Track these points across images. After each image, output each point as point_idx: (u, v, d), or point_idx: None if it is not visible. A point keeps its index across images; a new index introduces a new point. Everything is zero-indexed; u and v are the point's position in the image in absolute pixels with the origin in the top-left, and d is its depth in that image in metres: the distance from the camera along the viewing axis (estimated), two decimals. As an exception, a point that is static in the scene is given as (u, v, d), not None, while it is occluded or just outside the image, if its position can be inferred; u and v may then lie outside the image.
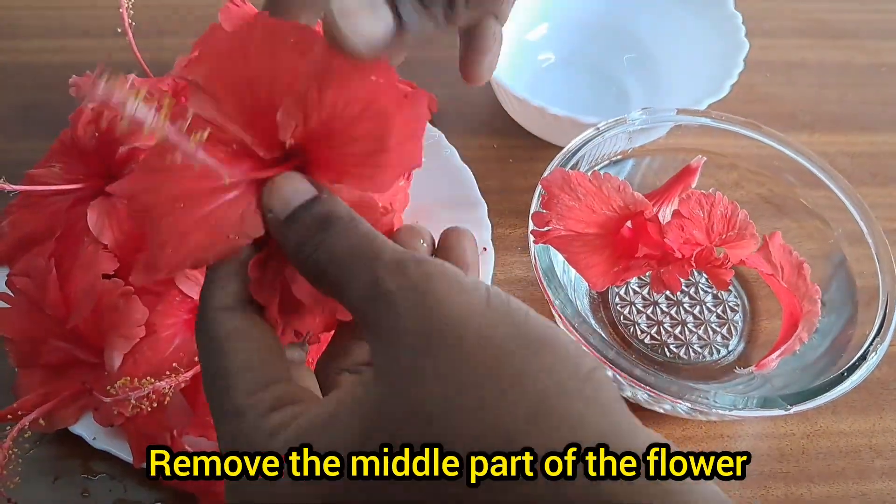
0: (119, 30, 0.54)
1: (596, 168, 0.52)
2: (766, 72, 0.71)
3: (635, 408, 0.49)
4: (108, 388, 0.41)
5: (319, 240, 0.27)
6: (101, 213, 0.47)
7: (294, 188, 0.28)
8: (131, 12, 0.54)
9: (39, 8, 0.70)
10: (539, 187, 0.46)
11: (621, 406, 0.24)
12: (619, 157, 0.53)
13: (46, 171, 0.50)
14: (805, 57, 0.73)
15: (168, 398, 0.41)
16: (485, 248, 0.53)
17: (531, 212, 0.47)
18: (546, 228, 0.44)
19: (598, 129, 0.51)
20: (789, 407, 0.42)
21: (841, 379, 0.43)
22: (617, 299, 0.53)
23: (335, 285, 0.26)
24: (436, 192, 0.56)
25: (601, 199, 0.43)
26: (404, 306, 0.25)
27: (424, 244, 0.31)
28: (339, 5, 0.27)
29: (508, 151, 0.63)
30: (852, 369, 0.43)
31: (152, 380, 0.41)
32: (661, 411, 0.47)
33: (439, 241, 0.32)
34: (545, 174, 0.48)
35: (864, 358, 0.44)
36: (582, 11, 0.67)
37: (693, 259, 0.44)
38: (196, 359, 0.44)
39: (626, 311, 0.53)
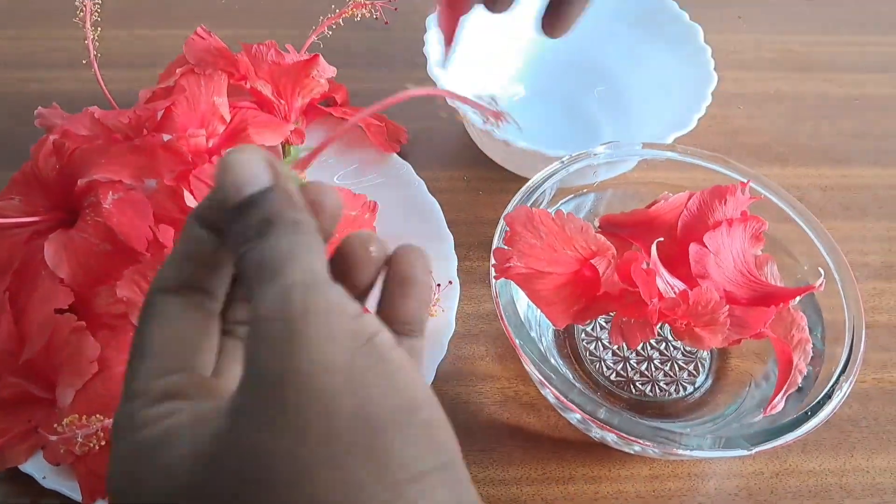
0: (84, 61, 0.54)
1: (561, 201, 0.51)
2: (740, 104, 0.71)
3: (602, 447, 0.49)
4: (56, 425, 0.40)
5: (254, 244, 0.25)
6: (58, 247, 0.46)
7: (248, 171, 0.26)
8: (97, 44, 0.54)
9: (4, 38, 0.70)
10: (502, 223, 0.46)
11: None
12: (584, 190, 0.52)
13: (5, 203, 0.49)
14: (779, 89, 0.73)
15: None
16: (450, 282, 0.53)
17: (493, 247, 0.46)
18: (507, 265, 0.44)
19: (563, 162, 0.50)
20: (751, 448, 0.41)
21: (805, 418, 0.42)
22: (583, 335, 0.53)
23: (248, 295, 0.25)
24: (403, 225, 0.55)
25: (563, 238, 0.43)
26: (266, 340, 0.23)
27: (374, 252, 0.29)
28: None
29: (478, 184, 0.62)
30: (816, 408, 0.43)
31: (101, 417, 0.40)
32: (632, 452, 0.47)
33: (389, 261, 0.30)
34: (507, 209, 0.48)
35: (828, 396, 0.43)
36: (552, 44, 0.66)
37: (657, 314, 0.43)
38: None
39: (591, 347, 0.52)
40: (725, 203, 0.46)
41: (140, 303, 0.44)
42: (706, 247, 0.45)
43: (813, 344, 0.45)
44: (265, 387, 0.23)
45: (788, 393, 0.44)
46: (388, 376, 0.23)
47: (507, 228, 0.44)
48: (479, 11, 0.59)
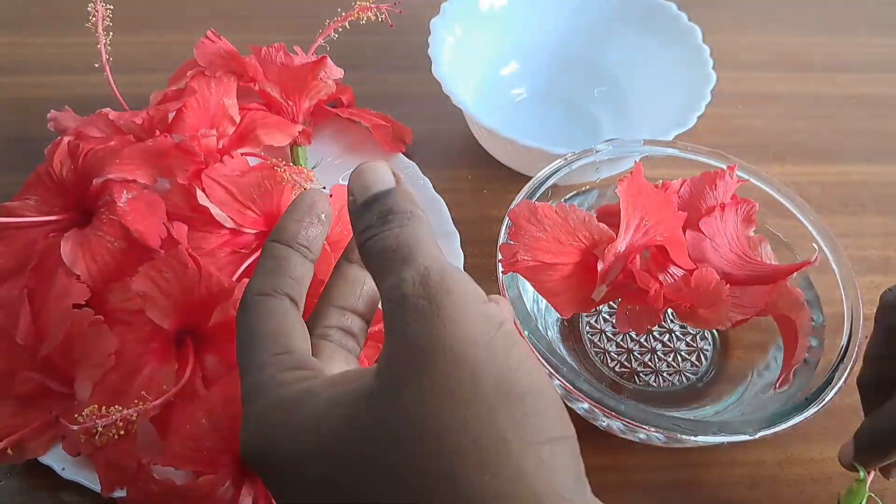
0: (97, 65, 0.55)
1: (564, 198, 0.52)
2: (738, 103, 0.72)
3: (607, 436, 0.50)
4: (76, 416, 0.41)
5: (376, 231, 0.29)
6: (74, 245, 0.47)
7: (375, 176, 0.31)
8: (109, 48, 0.55)
9: (18, 44, 0.71)
10: (507, 219, 0.47)
11: (572, 480, 0.26)
12: (586, 187, 0.53)
13: (21, 204, 0.50)
14: (776, 89, 0.74)
15: (135, 426, 0.41)
16: None
17: (499, 243, 0.47)
18: (514, 259, 0.45)
19: (566, 159, 0.51)
20: (753, 432, 0.42)
21: (806, 405, 0.43)
22: (587, 327, 0.54)
23: (375, 276, 0.29)
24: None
25: (567, 230, 0.44)
26: (414, 315, 0.26)
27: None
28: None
29: (482, 182, 0.64)
30: (816, 395, 0.44)
31: (120, 407, 0.41)
32: (637, 440, 0.48)
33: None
34: (512, 205, 0.49)
35: (829, 383, 0.44)
36: (553, 46, 0.68)
37: (662, 299, 0.44)
38: (165, 387, 0.44)
39: (595, 339, 0.53)
40: (716, 188, 0.48)
41: (156, 298, 0.46)
42: (702, 232, 0.46)
43: (812, 319, 0.46)
44: (417, 354, 0.26)
45: (796, 366, 0.45)
46: (521, 357, 0.26)
47: (512, 224, 0.45)
48: (480, 13, 0.60)
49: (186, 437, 0.42)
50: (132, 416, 0.41)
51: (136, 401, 0.42)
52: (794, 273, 0.46)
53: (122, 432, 0.41)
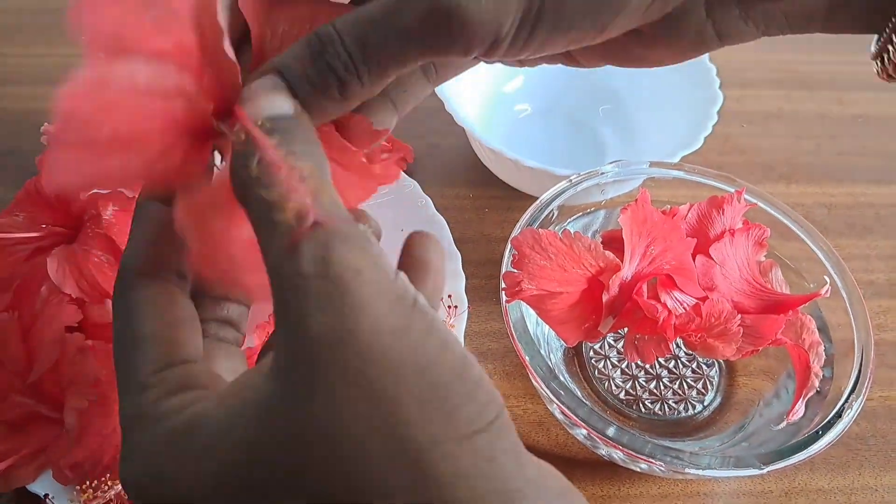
0: (92, 79, 0.54)
1: (569, 219, 0.51)
2: (743, 122, 0.71)
3: (612, 465, 0.49)
4: (70, 499, 0.40)
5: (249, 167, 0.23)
6: (61, 261, 0.46)
7: (270, 101, 0.25)
8: (105, 61, 0.54)
9: (13, 55, 0.70)
10: (510, 246, 0.46)
11: (513, 464, 0.23)
12: (591, 208, 0.52)
13: (8, 220, 0.49)
14: (781, 108, 0.73)
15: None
16: (456, 306, 0.52)
17: (503, 270, 0.46)
18: (518, 288, 0.44)
19: (571, 181, 0.50)
20: (763, 467, 0.41)
21: (816, 437, 0.42)
22: (591, 353, 0.53)
23: (260, 236, 0.23)
24: (410, 243, 0.55)
25: (572, 258, 0.43)
26: (316, 302, 0.22)
27: (370, 231, 0.28)
28: (246, 93, 0.25)
29: (484, 202, 0.62)
30: (827, 427, 0.43)
31: (112, 484, 0.40)
32: (638, 470, 0.47)
33: (404, 246, 0.29)
34: (516, 228, 0.48)
35: (839, 415, 0.43)
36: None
37: (673, 330, 0.43)
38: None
39: (600, 365, 0.52)
40: (723, 213, 0.47)
41: None
42: (712, 259, 0.45)
43: (824, 347, 0.45)
44: (323, 352, 0.22)
45: (808, 397, 0.44)
46: (441, 337, 0.23)
47: (515, 251, 0.44)
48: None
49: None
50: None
51: None
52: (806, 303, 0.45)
53: None
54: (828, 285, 0.46)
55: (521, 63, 0.32)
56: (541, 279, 0.42)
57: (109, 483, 0.40)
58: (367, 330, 0.22)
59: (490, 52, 0.26)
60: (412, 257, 0.28)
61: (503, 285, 0.44)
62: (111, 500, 0.40)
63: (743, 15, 0.29)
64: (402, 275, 0.23)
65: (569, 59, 0.32)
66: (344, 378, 0.22)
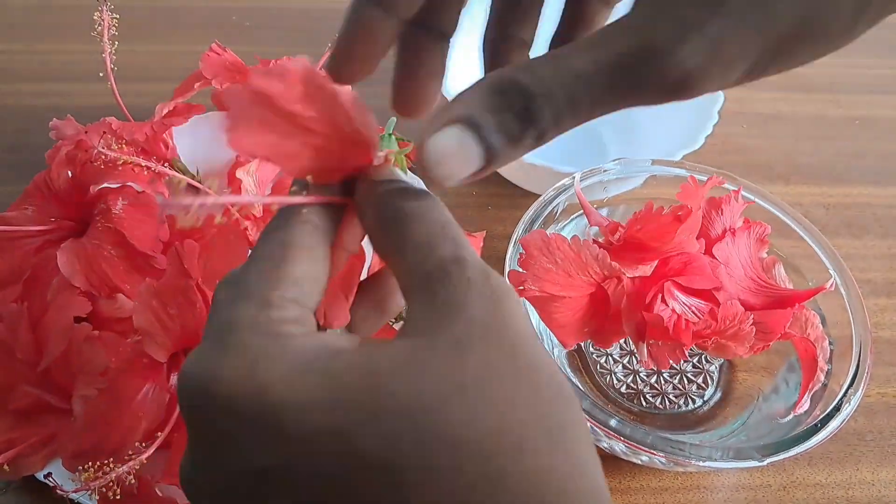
0: (101, 74, 0.55)
1: (572, 217, 0.52)
2: (743, 123, 0.72)
3: (613, 459, 0.49)
4: (72, 478, 0.40)
5: (418, 204, 0.27)
6: (70, 255, 0.47)
7: (464, 164, 0.27)
8: (114, 57, 0.55)
9: (21, 52, 0.71)
10: (516, 244, 0.47)
11: (602, 482, 0.25)
12: (595, 205, 0.53)
13: (18, 214, 0.50)
14: (780, 109, 0.74)
15: (130, 486, 0.41)
16: None
17: (506, 269, 0.47)
18: (522, 288, 0.44)
19: (574, 178, 0.51)
20: (763, 459, 0.41)
21: (815, 430, 0.43)
22: (593, 348, 0.53)
23: (415, 246, 0.26)
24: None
25: (579, 264, 0.43)
26: (478, 298, 0.25)
27: None
28: (433, 151, 0.26)
29: (487, 199, 0.63)
30: (826, 420, 0.43)
31: (114, 466, 0.40)
32: (639, 462, 0.47)
33: None
34: (520, 225, 0.48)
35: (837, 409, 0.44)
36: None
37: (691, 336, 0.43)
38: (158, 434, 0.43)
39: (602, 360, 0.53)
40: (722, 213, 0.47)
41: (156, 334, 0.43)
42: (716, 258, 0.45)
43: (830, 342, 0.46)
44: (480, 328, 0.24)
45: (813, 390, 0.45)
46: (556, 368, 0.26)
47: (523, 251, 0.44)
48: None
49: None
50: (127, 476, 0.40)
51: (129, 452, 0.41)
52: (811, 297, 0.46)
53: (119, 495, 0.40)
54: (832, 280, 0.47)
55: None
56: (545, 282, 0.43)
57: (111, 465, 0.40)
58: (518, 330, 0.25)
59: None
60: None
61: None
62: (112, 482, 0.40)
63: None
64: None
65: None
66: (498, 352, 0.24)
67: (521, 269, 0.44)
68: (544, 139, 0.27)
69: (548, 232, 0.50)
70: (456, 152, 0.27)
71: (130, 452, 0.41)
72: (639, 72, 0.25)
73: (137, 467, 0.41)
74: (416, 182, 0.30)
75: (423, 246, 0.26)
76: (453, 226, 0.27)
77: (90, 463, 0.40)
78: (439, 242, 0.26)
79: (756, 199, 0.53)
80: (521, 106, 0.26)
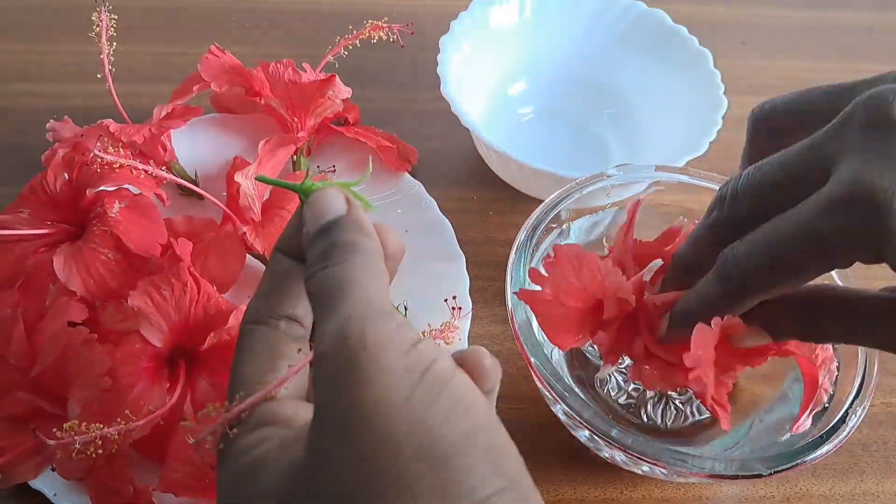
0: (99, 75, 0.54)
1: (573, 222, 0.51)
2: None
3: (614, 469, 0.49)
4: (55, 430, 0.39)
5: (315, 269, 0.28)
6: (67, 259, 0.46)
7: (325, 204, 0.29)
8: (112, 58, 0.54)
9: (19, 51, 0.70)
10: (518, 251, 0.47)
11: None
12: (598, 211, 0.52)
13: (14, 217, 0.49)
14: (784, 115, 0.73)
15: (117, 446, 0.40)
16: (460, 307, 0.52)
17: (508, 273, 0.46)
18: (536, 289, 0.44)
19: (577, 183, 0.50)
20: (767, 471, 0.41)
21: (820, 442, 0.42)
22: (596, 358, 0.53)
23: (315, 322, 0.28)
24: (414, 244, 0.55)
25: (598, 284, 0.43)
26: (331, 377, 0.24)
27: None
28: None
29: (488, 204, 0.63)
30: (832, 432, 0.43)
31: (100, 425, 0.40)
32: (640, 472, 0.47)
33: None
34: (523, 229, 0.48)
35: (843, 420, 0.43)
36: (562, 67, 0.68)
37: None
38: (151, 408, 0.43)
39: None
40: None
41: (151, 315, 0.44)
42: None
43: (837, 364, 0.45)
44: (332, 424, 0.24)
45: (814, 411, 0.44)
46: (447, 407, 0.24)
47: (553, 257, 0.44)
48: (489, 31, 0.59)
49: (186, 463, 0.41)
50: (113, 435, 0.40)
51: (119, 420, 0.41)
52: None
53: (100, 451, 0.39)
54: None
55: None
56: (561, 291, 0.42)
57: (98, 424, 0.39)
58: (371, 402, 0.24)
59: None
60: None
61: (509, 279, 0.44)
62: (96, 439, 0.39)
63: None
64: (422, 345, 0.25)
65: None
66: (347, 450, 0.24)
67: (544, 272, 0.43)
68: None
69: (549, 238, 0.50)
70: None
71: (119, 420, 0.41)
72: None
73: (125, 431, 0.40)
74: None
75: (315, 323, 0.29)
76: (341, 283, 0.27)
77: (76, 421, 0.39)
78: (318, 316, 0.27)
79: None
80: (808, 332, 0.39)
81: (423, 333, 0.49)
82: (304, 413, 0.29)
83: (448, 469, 0.23)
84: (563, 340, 0.44)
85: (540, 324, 0.45)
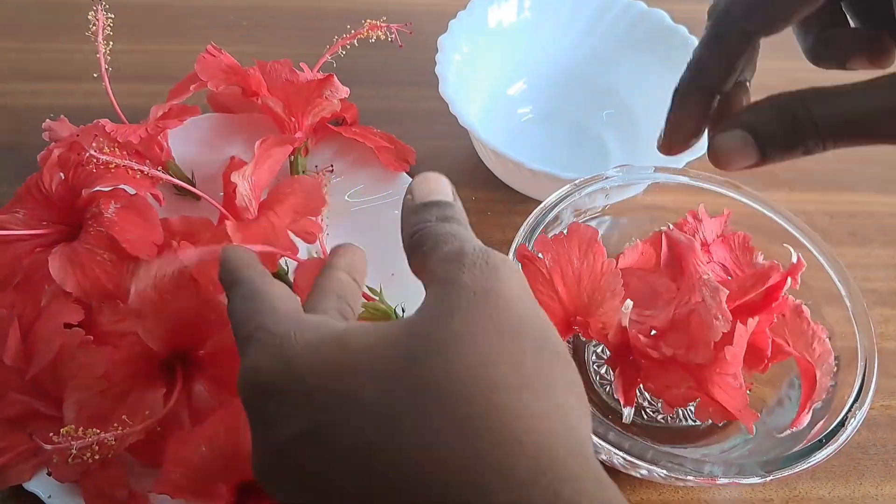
0: (95, 74, 0.54)
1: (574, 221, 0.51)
2: (746, 129, 0.71)
3: (612, 472, 0.48)
4: (52, 435, 0.39)
5: (434, 225, 0.32)
6: (63, 260, 0.46)
7: (440, 187, 0.34)
8: (108, 57, 0.54)
9: (15, 50, 0.70)
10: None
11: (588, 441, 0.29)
12: (597, 213, 0.52)
13: (8, 217, 0.49)
14: (784, 115, 0.73)
15: (113, 451, 0.40)
16: None
17: (515, 241, 0.47)
18: (538, 254, 0.44)
19: (576, 185, 0.50)
20: (766, 475, 0.41)
21: (819, 446, 0.42)
22: (594, 357, 0.52)
23: (426, 255, 0.31)
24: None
25: (594, 277, 0.43)
26: (471, 268, 0.29)
27: None
28: (720, 145, 0.38)
29: (486, 204, 0.62)
30: (830, 436, 0.42)
31: (97, 430, 0.40)
32: (638, 476, 0.46)
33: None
34: (520, 231, 0.47)
35: (842, 424, 0.43)
36: (561, 67, 0.67)
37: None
38: (148, 413, 0.43)
39: (602, 371, 0.52)
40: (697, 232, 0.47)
41: (149, 317, 0.44)
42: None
43: (836, 360, 0.45)
44: (468, 295, 0.28)
45: (813, 407, 0.44)
46: (551, 326, 0.30)
47: (567, 233, 0.44)
48: (488, 30, 0.59)
49: (184, 466, 0.41)
50: (110, 440, 0.40)
51: (115, 425, 0.41)
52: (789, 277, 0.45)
53: (97, 456, 0.39)
54: (796, 254, 0.47)
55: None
56: (559, 270, 0.42)
57: (95, 429, 0.39)
58: (509, 291, 0.29)
59: None
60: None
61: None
62: (93, 444, 0.39)
63: None
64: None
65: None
66: (481, 313, 0.28)
67: (550, 240, 0.44)
68: (811, 153, 0.36)
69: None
70: (737, 149, 0.37)
71: (116, 425, 0.40)
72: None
73: (122, 436, 0.40)
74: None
75: (435, 250, 0.31)
76: (460, 230, 0.32)
77: (73, 426, 0.39)
78: (446, 243, 0.31)
79: (759, 208, 0.52)
80: (792, 127, 0.35)
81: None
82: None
83: (561, 364, 0.28)
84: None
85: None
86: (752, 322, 0.43)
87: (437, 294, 0.29)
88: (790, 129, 0.36)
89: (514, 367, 0.26)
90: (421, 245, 0.32)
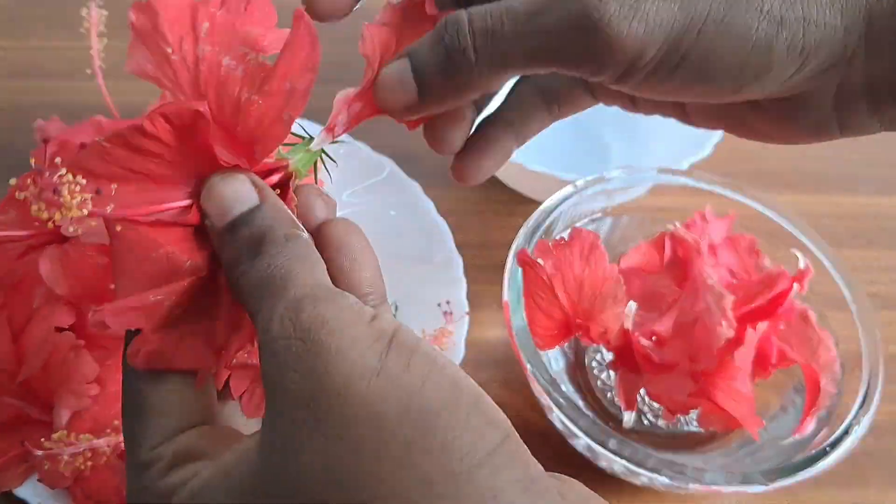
0: (88, 71, 0.53)
1: (575, 225, 0.51)
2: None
3: (613, 480, 0.48)
4: (43, 440, 0.38)
5: (247, 266, 0.24)
6: (53, 262, 0.45)
7: (232, 192, 0.26)
8: (102, 54, 0.53)
9: (6, 47, 0.69)
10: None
11: (520, 492, 0.22)
12: (598, 214, 0.51)
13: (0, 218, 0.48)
14: (788, 115, 0.73)
15: (106, 458, 0.39)
16: (451, 313, 0.51)
17: (506, 278, 0.46)
18: (538, 260, 0.43)
19: (577, 186, 0.49)
20: (768, 483, 0.40)
21: (823, 454, 0.42)
22: (594, 363, 0.52)
23: (250, 316, 0.24)
24: (410, 246, 0.54)
25: (595, 282, 0.42)
26: (288, 360, 0.22)
27: (322, 211, 0.28)
28: (381, 81, 0.29)
29: (487, 206, 0.62)
30: (834, 444, 0.42)
31: (90, 437, 0.39)
32: (639, 483, 0.46)
33: (322, 235, 0.28)
34: (521, 232, 0.47)
35: (846, 432, 0.43)
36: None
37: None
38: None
39: (602, 376, 0.51)
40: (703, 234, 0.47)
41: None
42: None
43: (842, 366, 0.44)
44: (301, 408, 0.22)
45: (817, 414, 0.43)
46: (423, 369, 0.22)
47: (570, 237, 0.44)
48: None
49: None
50: (103, 447, 0.39)
51: (107, 430, 0.40)
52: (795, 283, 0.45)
53: (89, 462, 0.38)
54: (804, 260, 0.46)
55: (635, 105, 0.33)
56: (560, 275, 0.42)
57: (88, 435, 0.38)
58: (340, 381, 0.21)
59: (621, 78, 0.26)
60: (339, 246, 0.27)
61: (508, 289, 0.43)
62: (85, 450, 0.38)
63: (870, 111, 0.29)
64: (382, 316, 0.23)
65: (681, 113, 0.32)
66: (325, 433, 0.21)
67: (553, 246, 0.43)
68: (462, 77, 0.27)
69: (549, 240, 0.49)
70: (396, 81, 0.28)
71: (108, 430, 0.39)
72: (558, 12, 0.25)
73: (116, 444, 0.39)
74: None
75: (253, 318, 0.24)
76: (283, 271, 0.24)
77: (65, 432, 0.39)
78: (259, 307, 0.24)
79: (763, 210, 0.51)
80: (440, 35, 0.27)
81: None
82: (227, 442, 0.26)
83: (440, 429, 0.21)
84: (541, 336, 0.44)
85: (525, 301, 0.44)
86: (762, 326, 0.42)
87: (269, 411, 0.23)
88: (448, 43, 0.27)
89: (399, 500, 0.21)
90: (243, 304, 0.25)
